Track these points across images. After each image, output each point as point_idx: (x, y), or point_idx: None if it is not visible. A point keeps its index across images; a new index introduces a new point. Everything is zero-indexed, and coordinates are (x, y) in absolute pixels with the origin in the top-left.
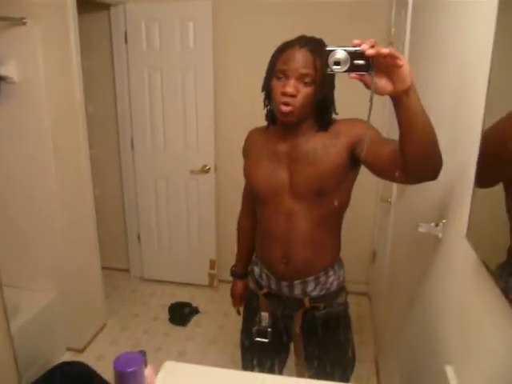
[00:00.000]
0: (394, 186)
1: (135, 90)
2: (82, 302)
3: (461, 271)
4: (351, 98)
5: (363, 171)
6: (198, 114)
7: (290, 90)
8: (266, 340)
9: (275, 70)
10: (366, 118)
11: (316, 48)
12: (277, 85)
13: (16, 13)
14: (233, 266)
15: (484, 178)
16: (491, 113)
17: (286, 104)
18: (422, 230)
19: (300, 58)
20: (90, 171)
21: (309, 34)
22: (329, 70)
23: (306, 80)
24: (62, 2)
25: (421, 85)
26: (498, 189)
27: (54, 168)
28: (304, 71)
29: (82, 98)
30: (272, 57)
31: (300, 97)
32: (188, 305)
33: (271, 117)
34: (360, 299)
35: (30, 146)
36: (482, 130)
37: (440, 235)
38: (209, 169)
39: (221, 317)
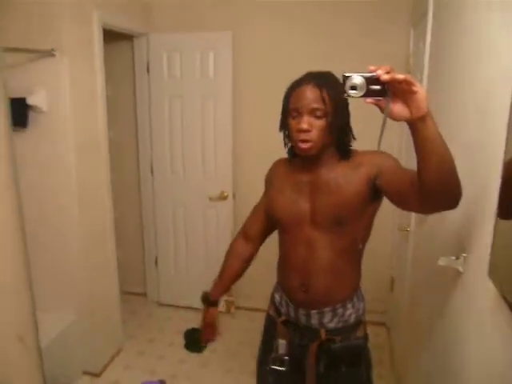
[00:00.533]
0: (413, 214)
1: (156, 118)
2: (100, 326)
3: (482, 309)
4: (369, 125)
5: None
6: (216, 142)
7: (304, 126)
8: (282, 368)
9: (289, 109)
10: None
11: (321, 82)
12: (292, 123)
13: (46, 45)
14: (206, 292)
15: (507, 209)
16: None
17: (304, 141)
18: (442, 263)
19: (309, 94)
20: (111, 196)
21: (328, 63)
22: (345, 94)
23: (318, 114)
24: (89, 34)
25: (441, 113)
26: None
27: (76, 193)
28: (314, 106)
29: (105, 125)
30: (284, 97)
31: (315, 131)
32: None
33: (292, 153)
34: (378, 329)
35: (54, 172)
36: (504, 159)
37: (461, 269)
38: (227, 196)
39: (236, 344)
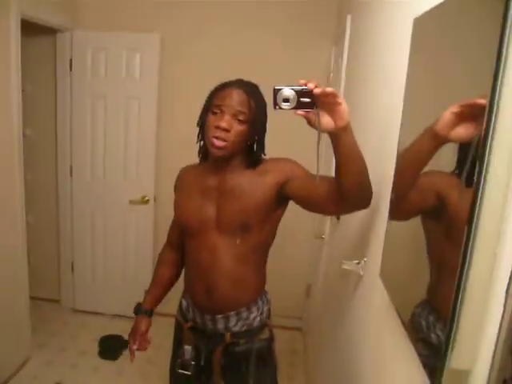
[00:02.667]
0: (328, 222)
1: (77, 117)
2: (5, 334)
3: (376, 309)
4: (283, 139)
5: (299, 207)
6: (139, 145)
7: (223, 124)
8: (188, 373)
9: (211, 105)
10: (294, 158)
11: (252, 90)
12: (211, 119)
13: None
14: (139, 303)
15: (399, 210)
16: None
17: (219, 138)
18: (345, 267)
19: (236, 97)
20: (24, 196)
21: (254, 74)
22: (277, 107)
23: (240, 118)
24: (5, 23)
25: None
26: (412, 225)
27: None
28: (239, 108)
29: (19, 121)
30: (210, 93)
31: (233, 133)
32: (119, 338)
33: (203, 152)
34: (294, 334)
35: None
36: (396, 161)
37: (361, 272)
38: (148, 200)
39: (151, 350)
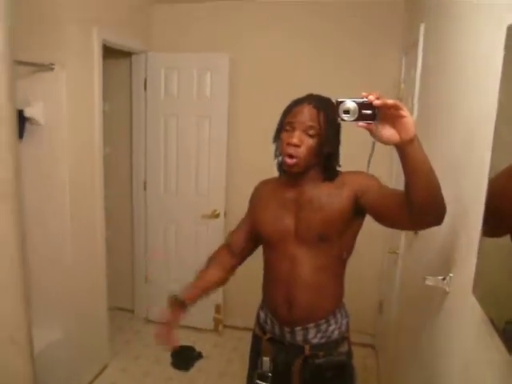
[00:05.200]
0: (402, 237)
1: (151, 135)
2: (86, 342)
3: (467, 327)
4: (357, 150)
5: (370, 222)
6: (210, 161)
7: (294, 140)
8: None
9: (284, 122)
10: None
11: (321, 104)
12: (284, 136)
13: (45, 58)
14: (175, 295)
15: (492, 227)
16: (498, 163)
17: (291, 156)
18: (429, 283)
19: (306, 113)
20: (104, 212)
21: (322, 87)
22: (339, 119)
23: (311, 132)
24: (89, 49)
25: (431, 137)
26: (506, 240)
27: (68, 207)
28: (309, 124)
29: (101, 140)
30: (283, 112)
31: (304, 148)
32: (192, 349)
33: (281, 167)
34: (366, 351)
35: (47, 185)
36: (489, 179)
37: (447, 289)
38: (218, 214)
39: (224, 363)
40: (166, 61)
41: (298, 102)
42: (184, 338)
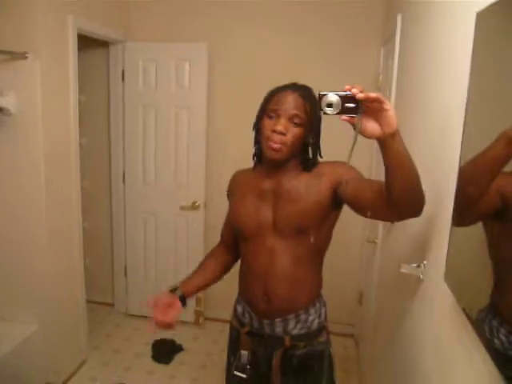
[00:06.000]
0: (380, 226)
1: (129, 126)
2: (64, 336)
3: (439, 313)
4: (337, 142)
5: (350, 213)
6: (189, 152)
7: (280, 127)
8: (244, 375)
9: (267, 109)
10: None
11: (307, 94)
12: (268, 123)
13: (19, 47)
14: (175, 286)
15: (462, 216)
16: (466, 152)
17: (275, 142)
18: (404, 270)
19: (291, 101)
20: (81, 203)
21: (299, 78)
22: (322, 112)
23: (296, 121)
24: (63, 38)
25: (406, 127)
26: (477, 228)
27: (44, 198)
28: (295, 112)
29: (76, 131)
30: (265, 98)
31: (289, 136)
32: (172, 342)
33: (258, 155)
34: (346, 341)
35: (22, 176)
36: (459, 168)
37: (421, 276)
38: (198, 205)
39: (205, 355)
40: (144, 51)
41: (281, 89)
42: (163, 331)
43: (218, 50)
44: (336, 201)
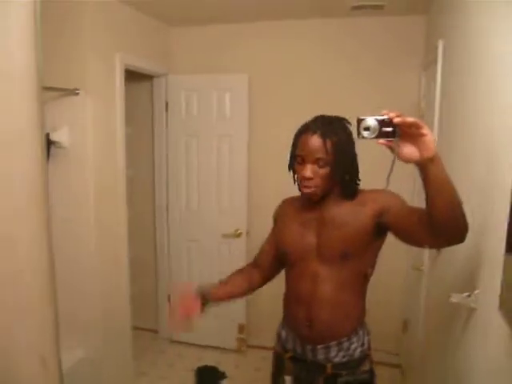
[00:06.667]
0: (426, 253)
1: (173, 155)
2: (111, 362)
3: (494, 343)
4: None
5: (393, 241)
6: (231, 180)
7: (307, 174)
8: None
9: (295, 155)
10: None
11: (328, 131)
12: (298, 168)
13: (70, 84)
14: (202, 287)
15: None
16: None
17: (307, 187)
18: (454, 300)
19: (312, 145)
20: (127, 232)
21: (338, 106)
22: (360, 136)
23: (320, 163)
24: (111, 74)
25: (452, 153)
26: None
27: (93, 228)
28: (317, 156)
29: (123, 163)
30: (293, 142)
31: (317, 178)
32: (215, 369)
33: None
34: (391, 371)
35: (73, 207)
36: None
37: (473, 305)
38: (241, 233)
39: (247, 383)
40: (186, 82)
41: (304, 130)
42: (207, 358)
43: (258, 79)
44: (380, 228)
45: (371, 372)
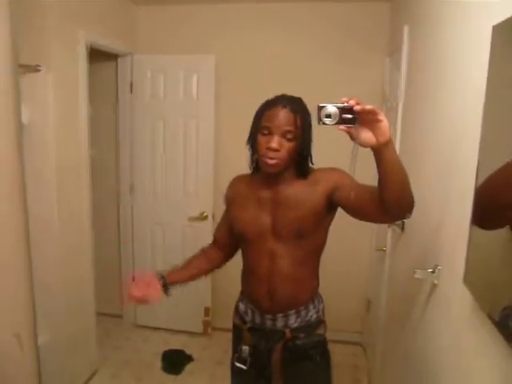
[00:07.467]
0: (389, 234)
1: (137, 137)
2: (74, 348)
3: (457, 316)
4: (333, 151)
5: (357, 222)
6: (198, 162)
7: (274, 145)
8: (244, 367)
9: (260, 126)
10: (344, 168)
11: (297, 107)
12: (262, 140)
13: (31, 60)
14: (161, 274)
15: (487, 221)
16: (483, 160)
17: (271, 158)
18: (418, 276)
19: (283, 117)
20: (91, 215)
21: (305, 88)
22: (321, 122)
23: (289, 136)
24: (74, 52)
25: (416, 137)
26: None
27: (56, 209)
28: (287, 128)
29: (86, 143)
30: (256, 114)
31: (283, 151)
32: (181, 352)
33: (255, 164)
34: (355, 349)
35: (33, 186)
36: (476, 176)
37: (436, 281)
38: (206, 216)
39: (214, 365)
40: (152, 63)
41: (272, 104)
42: (174, 342)
43: (225, 60)
44: (331, 205)
45: (325, 338)
